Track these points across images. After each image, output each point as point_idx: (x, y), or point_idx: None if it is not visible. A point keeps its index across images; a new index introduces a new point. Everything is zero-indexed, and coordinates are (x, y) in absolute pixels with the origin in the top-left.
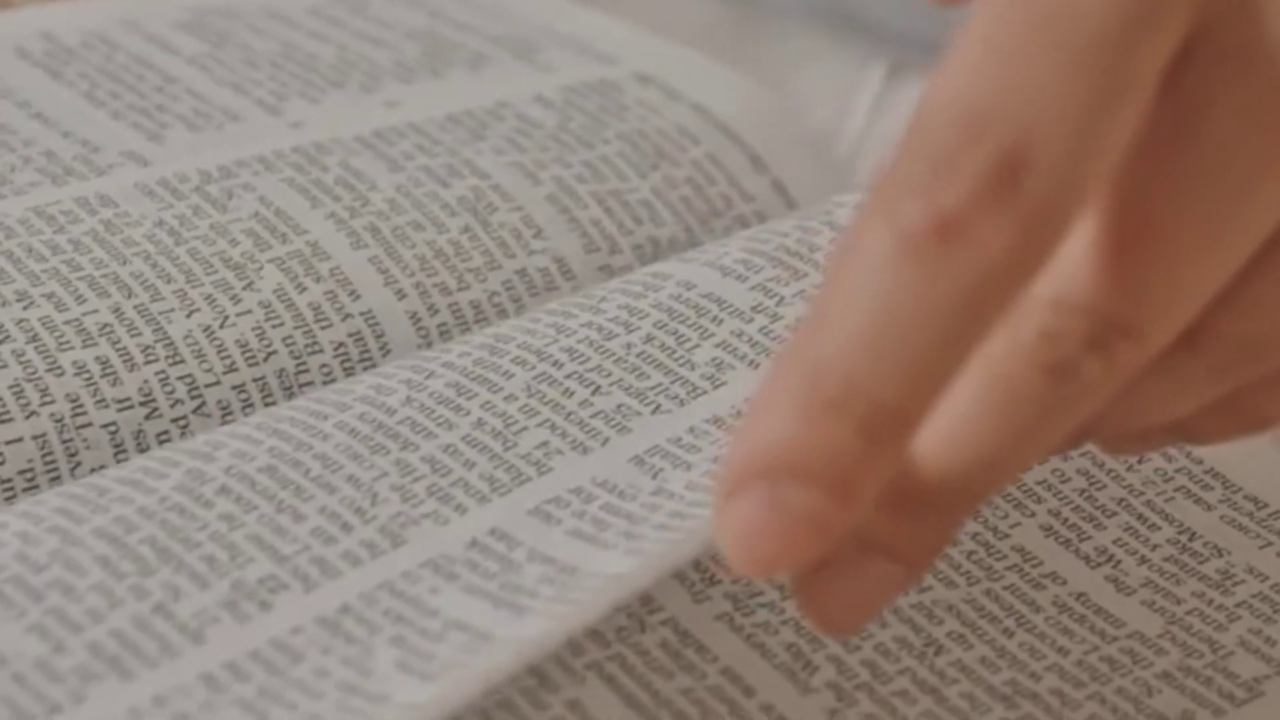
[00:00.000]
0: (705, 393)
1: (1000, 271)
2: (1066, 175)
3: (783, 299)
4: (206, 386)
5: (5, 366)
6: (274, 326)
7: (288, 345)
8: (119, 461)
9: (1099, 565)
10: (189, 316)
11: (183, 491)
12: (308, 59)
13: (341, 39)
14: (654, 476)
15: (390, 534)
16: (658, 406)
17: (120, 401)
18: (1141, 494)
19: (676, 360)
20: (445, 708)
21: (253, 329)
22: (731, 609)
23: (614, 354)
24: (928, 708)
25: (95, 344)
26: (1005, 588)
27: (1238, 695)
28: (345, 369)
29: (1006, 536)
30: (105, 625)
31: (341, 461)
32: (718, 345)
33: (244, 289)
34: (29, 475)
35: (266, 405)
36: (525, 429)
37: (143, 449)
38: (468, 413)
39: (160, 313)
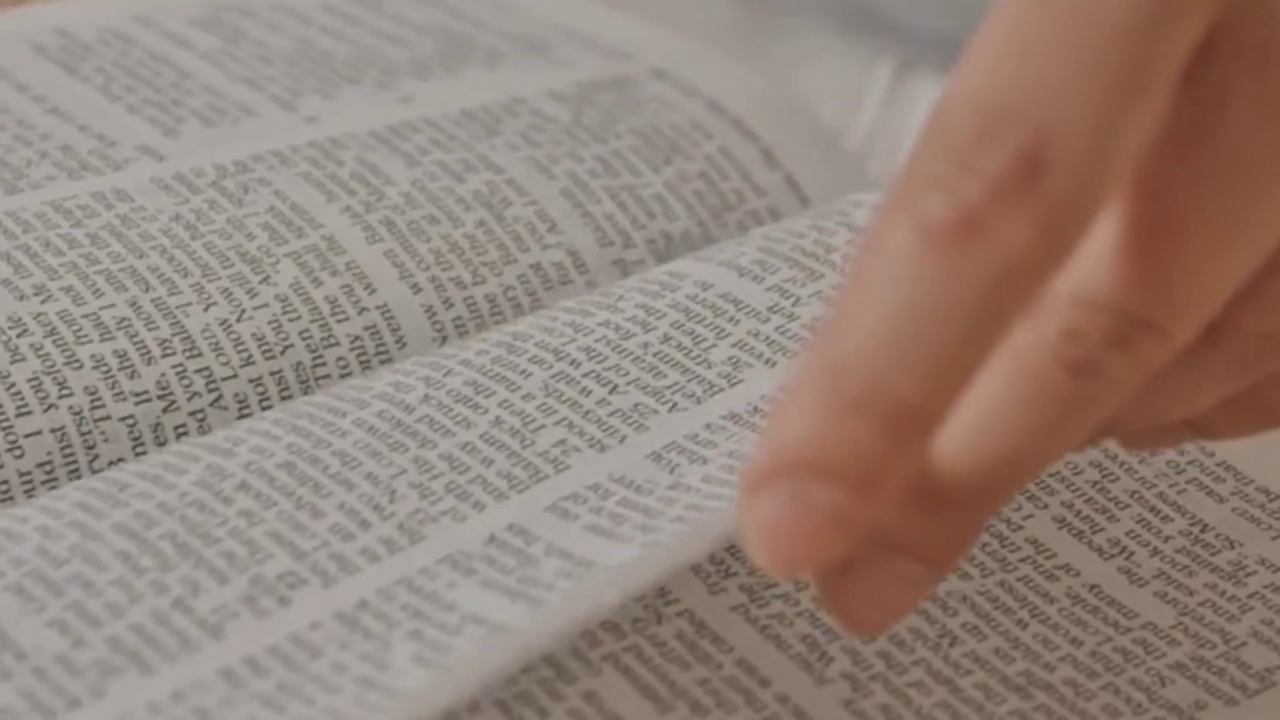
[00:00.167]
0: (722, 390)
1: (1020, 268)
2: (1086, 171)
3: (799, 299)
4: (223, 380)
5: (24, 360)
6: (290, 320)
7: (304, 339)
8: (137, 454)
9: (1112, 557)
10: (206, 310)
11: (202, 487)
12: (322, 55)
13: (356, 35)
14: (671, 471)
15: (409, 530)
16: (675, 405)
17: (138, 395)
18: (1154, 486)
19: (693, 359)
20: (461, 693)
21: (269, 322)
22: (747, 601)
23: (631, 353)
24: (942, 698)
25: (113, 337)
26: (1019, 579)
27: (1250, 686)
28: (361, 362)
29: (1020, 528)
30: (125, 620)
31: (360, 458)
32: (734, 344)
33: (260, 283)
34: (47, 468)
35: (283, 398)
36: (543, 427)
37: (160, 442)
38: (486, 411)
39: (177, 306)
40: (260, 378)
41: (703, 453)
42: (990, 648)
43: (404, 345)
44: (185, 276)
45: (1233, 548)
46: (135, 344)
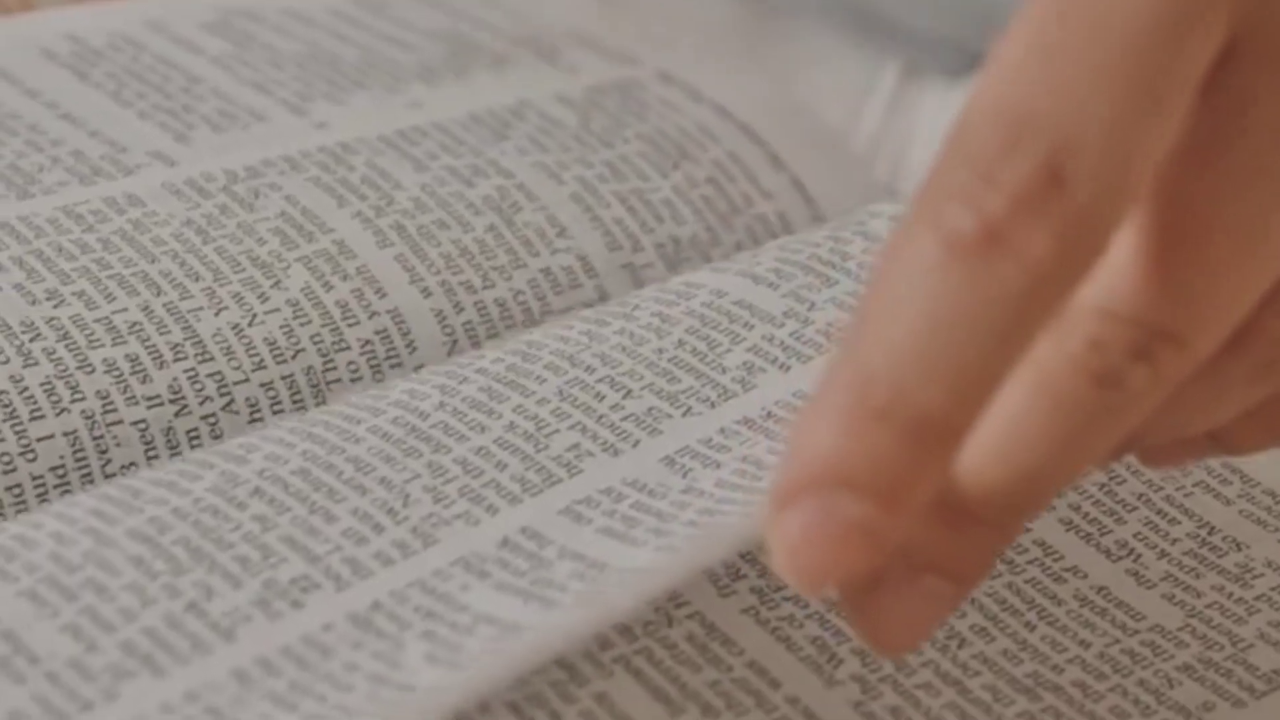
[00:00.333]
0: (735, 395)
1: (1043, 279)
2: (1107, 181)
3: (814, 304)
4: (235, 384)
5: (37, 364)
6: (302, 324)
7: (315, 343)
8: (149, 458)
9: (1119, 559)
10: (217, 314)
11: (216, 493)
12: (331, 60)
13: (364, 40)
14: (684, 475)
15: (422, 534)
16: (688, 409)
17: (150, 399)
18: (1161, 489)
19: (708, 364)
20: (472, 692)
21: (280, 327)
22: (757, 603)
23: (646, 359)
24: (951, 699)
25: (125, 342)
26: (1027, 581)
27: (1258, 687)
28: (372, 366)
29: (1028, 530)
30: (138, 624)
31: (374, 464)
32: (749, 350)
33: (271, 287)
34: (60, 471)
35: (295, 403)
36: (556, 432)
37: (172, 446)
38: (500, 416)
39: (189, 311)
40: (272, 382)
41: (716, 457)
42: (998, 649)
43: (414, 350)
44: (197, 281)
45: (1240, 550)
46: (147, 348)
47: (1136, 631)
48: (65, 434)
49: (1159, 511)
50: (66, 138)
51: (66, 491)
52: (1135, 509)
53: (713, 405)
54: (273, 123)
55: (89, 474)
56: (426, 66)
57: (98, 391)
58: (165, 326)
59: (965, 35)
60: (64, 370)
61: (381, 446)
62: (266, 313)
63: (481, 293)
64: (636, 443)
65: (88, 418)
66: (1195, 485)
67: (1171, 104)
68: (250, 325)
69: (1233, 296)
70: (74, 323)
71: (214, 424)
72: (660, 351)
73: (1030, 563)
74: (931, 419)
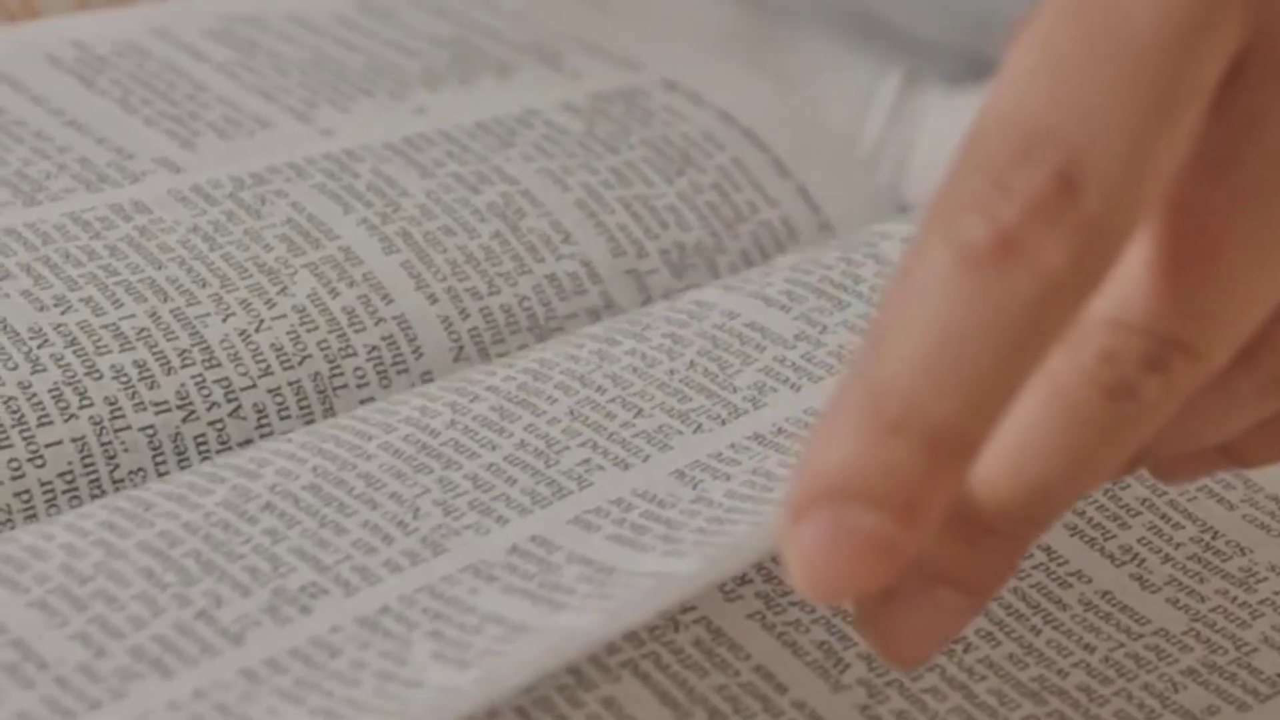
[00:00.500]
0: (746, 413)
1: (1057, 288)
2: (1120, 191)
3: (825, 328)
4: (242, 390)
5: (44, 370)
6: (308, 331)
7: (322, 349)
8: (157, 464)
9: (1124, 564)
10: (224, 321)
11: (227, 507)
12: (337, 67)
13: (370, 47)
14: (694, 487)
15: (431, 544)
16: (699, 426)
17: (158, 405)
18: (1165, 494)
19: (719, 384)
20: (481, 692)
21: (287, 333)
22: (763, 607)
23: (657, 379)
24: (957, 704)
25: (132, 348)
26: (1032, 586)
27: (1262, 691)
28: (379, 373)
29: None
30: (147, 631)
31: (384, 479)
32: (760, 370)
33: (278, 294)
34: (68, 477)
35: (301, 408)
36: (567, 449)
37: (180, 452)
38: (511, 434)
39: (196, 317)
40: (278, 388)
41: (726, 470)
42: (1004, 654)
43: (420, 356)
44: (203, 287)
45: (1243, 555)
46: (155, 354)
47: (1141, 636)
48: (73, 440)
49: (1163, 516)
50: (73, 144)
51: (75, 497)
52: (1139, 514)
53: (723, 422)
54: (278, 129)
55: (97, 480)
56: (431, 73)
57: (105, 397)
58: (172, 332)
59: (967, 42)
60: (72, 376)
61: (392, 463)
62: (273, 319)
63: (487, 299)
64: (647, 457)
65: (95, 424)
66: (1199, 490)
67: (1184, 113)
68: (257, 331)
69: (1245, 309)
70: (81, 329)
71: (221, 430)
72: (672, 373)
73: (1035, 568)
74: (946, 431)
